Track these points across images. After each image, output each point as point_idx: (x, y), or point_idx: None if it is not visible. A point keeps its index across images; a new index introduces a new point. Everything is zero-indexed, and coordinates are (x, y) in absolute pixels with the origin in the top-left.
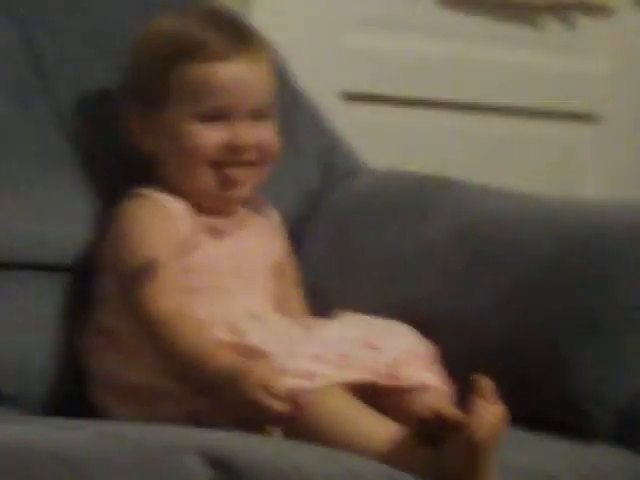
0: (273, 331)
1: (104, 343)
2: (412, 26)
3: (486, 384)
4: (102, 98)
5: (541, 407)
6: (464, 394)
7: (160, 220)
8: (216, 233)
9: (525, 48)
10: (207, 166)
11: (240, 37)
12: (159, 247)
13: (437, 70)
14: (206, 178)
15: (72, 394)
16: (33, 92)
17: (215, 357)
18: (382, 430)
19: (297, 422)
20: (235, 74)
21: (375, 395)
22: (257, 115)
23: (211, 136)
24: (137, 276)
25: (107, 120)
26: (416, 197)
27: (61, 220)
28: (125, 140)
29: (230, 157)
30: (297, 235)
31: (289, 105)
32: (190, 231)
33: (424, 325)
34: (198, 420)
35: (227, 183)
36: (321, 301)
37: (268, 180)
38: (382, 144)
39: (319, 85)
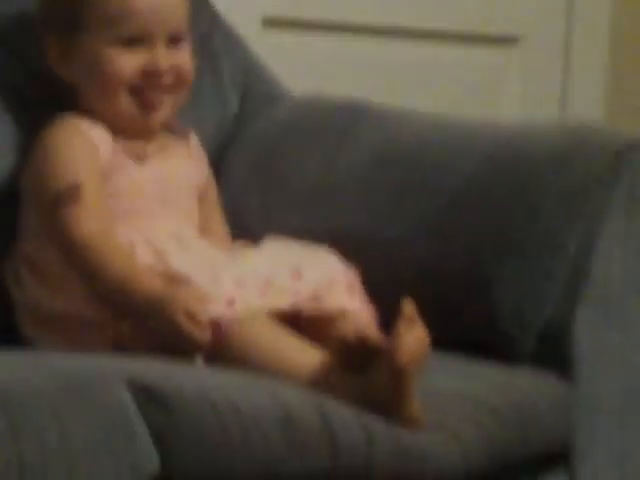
0: (196, 256)
1: (26, 271)
2: None
3: (410, 308)
4: (21, 25)
5: (464, 331)
6: (387, 321)
7: (81, 144)
8: (138, 157)
9: None
10: (126, 91)
11: None
12: (81, 171)
13: None
14: (125, 103)
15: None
16: None
17: (140, 283)
18: (307, 357)
19: (220, 350)
20: None
21: (299, 322)
22: (174, 39)
23: (129, 61)
24: (60, 200)
25: (27, 49)
26: (336, 123)
27: None
28: (45, 68)
29: (148, 81)
30: (217, 161)
31: (207, 30)
32: (110, 155)
33: (346, 252)
34: (122, 348)
35: (146, 107)
36: (243, 228)
37: (188, 105)
38: (303, 70)
39: (240, 10)
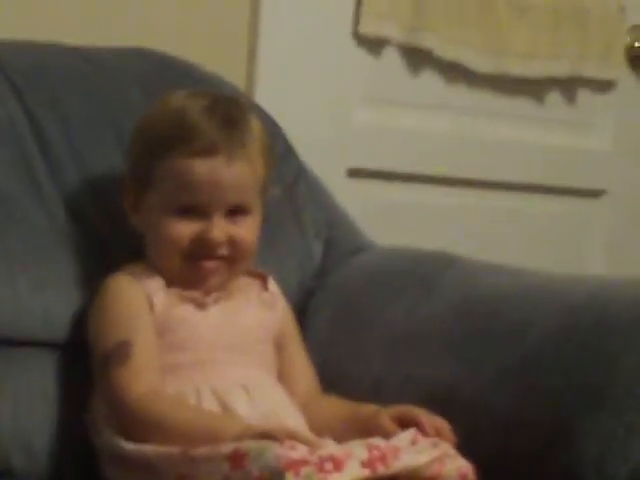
0: (264, 407)
1: (103, 423)
2: (416, 103)
3: None
4: (107, 175)
5: None
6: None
7: (134, 299)
8: (198, 304)
9: (528, 123)
10: (179, 257)
11: (224, 132)
12: (132, 328)
13: (443, 146)
14: (178, 268)
15: (83, 468)
16: (42, 173)
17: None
18: None
19: None
20: (210, 172)
21: None
22: (235, 211)
23: (183, 229)
24: (109, 360)
25: (110, 196)
26: (420, 274)
27: (65, 297)
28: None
29: (201, 250)
30: (301, 311)
31: (292, 180)
32: (167, 306)
33: (429, 402)
34: None
35: (198, 275)
36: (326, 377)
37: (271, 255)
38: (389, 221)
39: (326, 162)
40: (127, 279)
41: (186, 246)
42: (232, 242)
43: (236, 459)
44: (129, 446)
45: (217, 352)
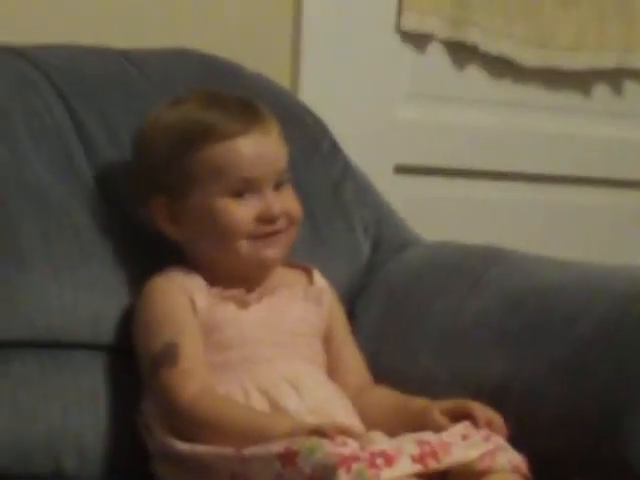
0: (314, 403)
1: (155, 423)
2: (462, 97)
3: None
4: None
5: (596, 475)
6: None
7: (177, 300)
8: (241, 303)
9: (574, 116)
10: (244, 239)
11: (246, 111)
12: (178, 328)
13: (488, 141)
14: (244, 249)
15: (133, 468)
16: (85, 172)
17: (269, 427)
18: None
19: None
20: (255, 146)
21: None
22: (280, 181)
23: (243, 211)
24: (158, 362)
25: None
26: (468, 268)
27: (113, 300)
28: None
29: (264, 228)
30: (350, 308)
31: (340, 178)
32: (209, 305)
33: (480, 396)
34: None
35: (263, 249)
36: (375, 373)
37: (320, 253)
38: (437, 216)
39: (372, 159)
40: (168, 281)
41: (249, 227)
42: (287, 213)
43: (287, 457)
44: (182, 446)
45: (263, 349)
